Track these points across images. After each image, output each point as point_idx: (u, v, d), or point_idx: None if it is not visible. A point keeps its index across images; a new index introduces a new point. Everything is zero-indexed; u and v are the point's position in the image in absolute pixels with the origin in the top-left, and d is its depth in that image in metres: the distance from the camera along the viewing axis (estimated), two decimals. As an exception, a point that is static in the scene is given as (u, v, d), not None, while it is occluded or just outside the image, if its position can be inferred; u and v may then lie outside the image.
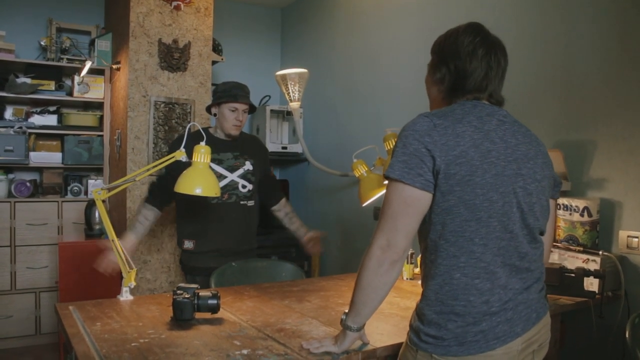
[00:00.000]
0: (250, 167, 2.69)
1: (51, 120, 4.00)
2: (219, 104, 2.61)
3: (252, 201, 2.72)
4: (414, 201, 1.29)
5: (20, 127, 3.80)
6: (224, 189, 2.59)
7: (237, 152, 2.67)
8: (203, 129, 2.62)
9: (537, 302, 1.38)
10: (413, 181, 1.27)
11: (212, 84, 3.80)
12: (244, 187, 2.66)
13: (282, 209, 2.84)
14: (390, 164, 1.31)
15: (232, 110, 2.59)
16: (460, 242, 1.30)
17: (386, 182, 2.23)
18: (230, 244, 2.66)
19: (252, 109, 2.69)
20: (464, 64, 1.38)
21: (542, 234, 1.43)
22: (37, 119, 3.94)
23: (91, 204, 3.61)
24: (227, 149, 2.66)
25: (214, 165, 2.56)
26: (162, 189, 2.55)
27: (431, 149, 1.27)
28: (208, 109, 2.71)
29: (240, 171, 2.66)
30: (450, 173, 1.26)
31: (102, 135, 4.06)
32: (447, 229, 1.30)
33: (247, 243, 2.74)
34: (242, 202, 2.67)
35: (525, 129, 1.43)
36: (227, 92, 2.59)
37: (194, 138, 2.23)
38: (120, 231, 3.48)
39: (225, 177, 2.62)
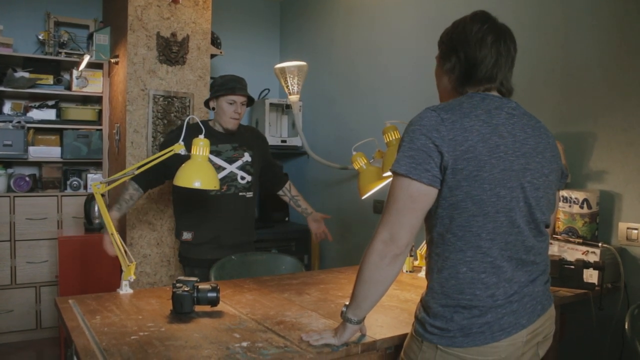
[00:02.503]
0: (249, 159, 2.69)
1: (50, 114, 3.99)
2: (216, 97, 2.61)
3: (251, 192, 2.72)
4: (420, 196, 1.28)
5: (19, 122, 3.79)
6: (222, 180, 2.60)
7: (235, 143, 2.68)
8: (202, 121, 2.62)
9: (542, 295, 1.38)
10: (420, 177, 1.26)
11: (211, 78, 3.79)
12: (242, 178, 2.66)
13: (287, 193, 2.91)
14: (397, 158, 1.29)
15: (231, 103, 2.59)
16: (468, 236, 1.29)
17: (387, 173, 2.24)
18: (229, 236, 2.66)
19: (250, 102, 2.69)
20: (473, 52, 1.36)
21: (547, 226, 1.43)
22: (35, 114, 3.93)
23: (90, 198, 3.61)
24: (225, 141, 2.66)
25: (212, 157, 2.57)
26: (152, 171, 2.55)
27: (439, 144, 1.26)
28: (206, 103, 2.71)
29: (239, 162, 2.66)
30: (457, 168, 1.26)
31: (101, 130, 4.05)
32: (454, 223, 1.30)
33: (245, 235, 2.75)
34: (240, 194, 2.67)
35: (535, 121, 1.42)
36: (224, 85, 2.59)
37: (193, 131, 2.24)
38: (119, 225, 3.49)
39: (224, 168, 2.62)
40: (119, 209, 2.56)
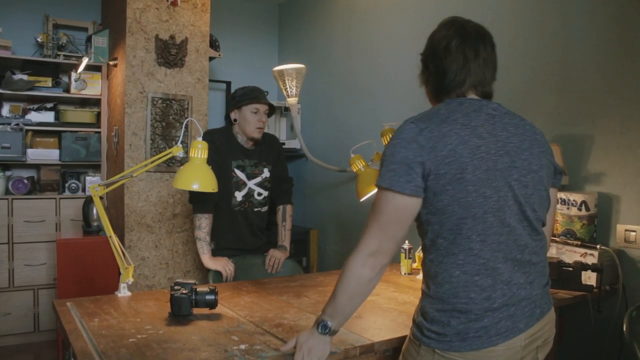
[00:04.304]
0: (268, 175, 2.72)
1: (48, 117, 3.99)
2: (239, 108, 2.60)
3: (266, 207, 2.77)
4: (405, 207, 1.30)
5: (17, 124, 3.79)
6: (243, 197, 2.65)
7: (256, 159, 2.69)
8: (224, 130, 2.63)
9: (541, 298, 1.38)
10: (403, 188, 1.28)
11: (210, 80, 3.79)
12: (259, 194, 2.70)
13: (279, 214, 2.84)
14: (380, 173, 1.32)
15: (254, 112, 2.58)
16: (458, 240, 1.30)
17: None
18: (241, 245, 2.70)
19: (270, 112, 2.69)
20: (441, 62, 1.39)
21: (543, 224, 1.43)
22: (34, 116, 3.93)
23: (89, 201, 3.60)
24: (248, 156, 2.67)
25: (238, 172, 2.62)
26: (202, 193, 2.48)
27: (419, 154, 1.27)
28: (227, 116, 2.69)
29: (258, 179, 2.69)
30: (440, 173, 1.27)
31: (99, 132, 4.05)
32: (444, 227, 1.31)
33: (256, 242, 2.78)
34: (256, 209, 2.71)
35: (519, 119, 1.42)
36: (247, 95, 2.60)
37: (216, 137, 2.44)
38: (117, 228, 3.49)
39: (245, 184, 2.65)
40: (209, 248, 2.54)
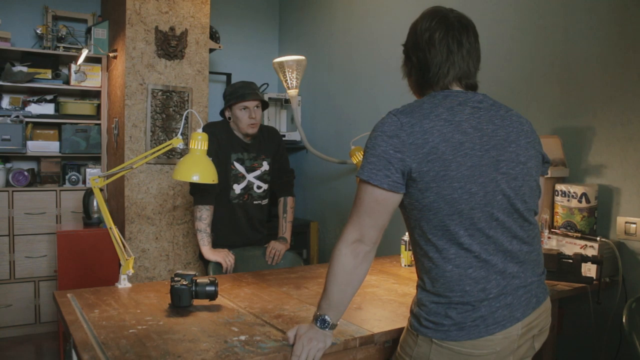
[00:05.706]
0: (267, 168, 2.73)
1: (48, 109, 3.98)
2: (230, 107, 2.61)
3: (266, 199, 2.78)
4: (384, 200, 1.30)
5: (17, 116, 3.78)
6: (242, 190, 2.66)
7: (254, 152, 2.70)
8: (225, 124, 2.65)
9: (537, 287, 1.38)
10: (380, 182, 1.28)
11: (210, 72, 3.79)
12: (259, 187, 2.71)
13: (281, 206, 2.85)
14: (361, 165, 1.32)
15: (244, 109, 2.58)
16: (447, 235, 1.30)
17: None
18: (240, 238, 2.71)
19: (265, 105, 2.69)
20: (425, 55, 1.38)
21: (536, 213, 1.43)
22: (34, 108, 3.92)
23: (89, 193, 3.60)
24: (247, 149, 2.68)
25: (237, 165, 2.63)
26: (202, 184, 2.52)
27: (399, 149, 1.27)
28: (222, 114, 2.71)
29: (257, 172, 2.70)
30: (423, 171, 1.26)
31: (99, 124, 4.05)
32: (431, 224, 1.31)
33: (256, 236, 2.79)
34: (255, 202, 2.72)
35: (505, 110, 1.40)
36: (234, 93, 2.60)
37: (217, 130, 2.47)
38: (118, 220, 3.49)
39: (244, 177, 2.66)
40: (209, 240, 2.55)
